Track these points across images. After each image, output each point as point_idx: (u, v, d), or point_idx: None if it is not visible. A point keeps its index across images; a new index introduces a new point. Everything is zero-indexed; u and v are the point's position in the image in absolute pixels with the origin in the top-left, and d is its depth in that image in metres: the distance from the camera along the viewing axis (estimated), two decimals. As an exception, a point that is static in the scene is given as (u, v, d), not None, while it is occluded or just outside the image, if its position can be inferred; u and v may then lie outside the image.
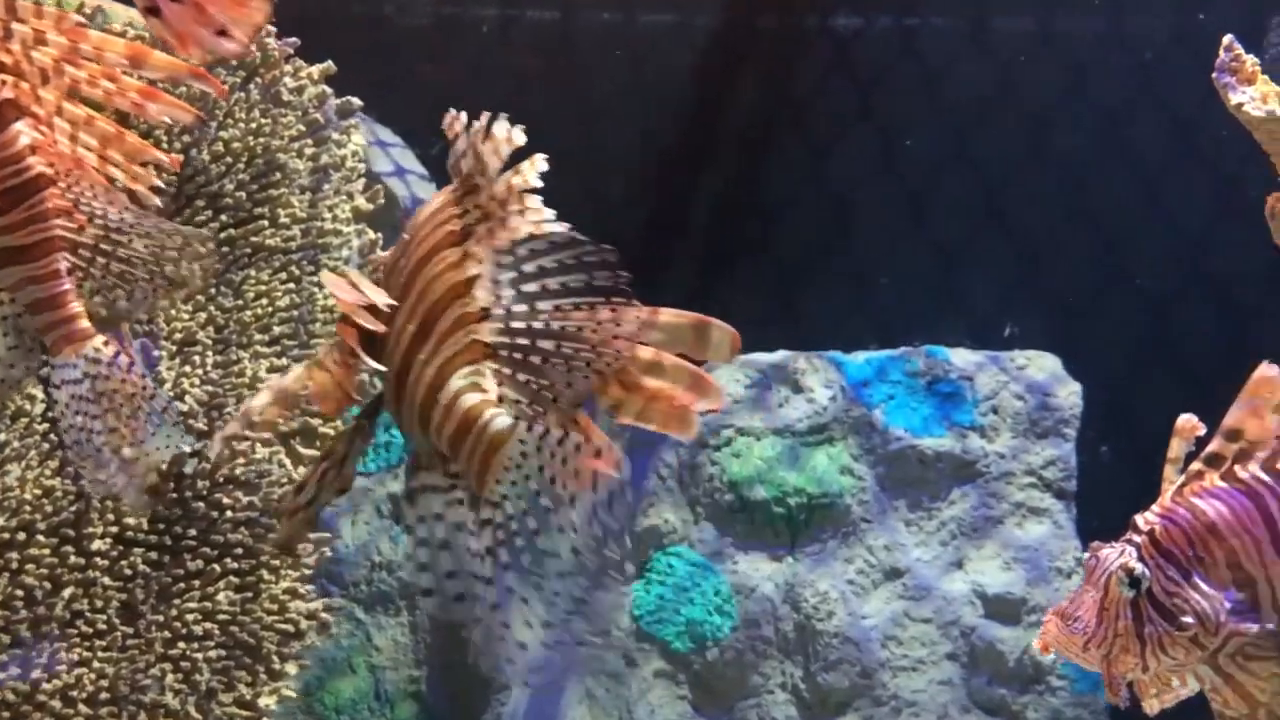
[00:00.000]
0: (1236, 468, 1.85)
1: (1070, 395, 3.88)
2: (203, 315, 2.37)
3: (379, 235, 2.70)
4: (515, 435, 1.46)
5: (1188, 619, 1.79)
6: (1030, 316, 4.24)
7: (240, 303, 2.41)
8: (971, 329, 4.12)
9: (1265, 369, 1.81)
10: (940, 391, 3.92)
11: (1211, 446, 1.85)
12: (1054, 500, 3.82)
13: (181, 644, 2.16)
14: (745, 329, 4.53)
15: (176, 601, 2.18)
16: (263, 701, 2.21)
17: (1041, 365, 3.92)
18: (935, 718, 3.65)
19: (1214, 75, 2.21)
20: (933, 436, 3.84)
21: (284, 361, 2.42)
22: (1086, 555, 1.85)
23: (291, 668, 2.32)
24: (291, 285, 2.48)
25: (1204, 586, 1.81)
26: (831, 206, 4.38)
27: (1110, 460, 4.14)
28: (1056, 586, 3.77)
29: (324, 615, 2.40)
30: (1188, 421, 1.88)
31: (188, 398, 2.28)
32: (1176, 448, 1.88)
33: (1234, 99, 2.18)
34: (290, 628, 2.31)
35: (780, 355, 3.96)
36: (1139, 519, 1.84)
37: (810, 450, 3.84)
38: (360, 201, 2.63)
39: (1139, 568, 1.79)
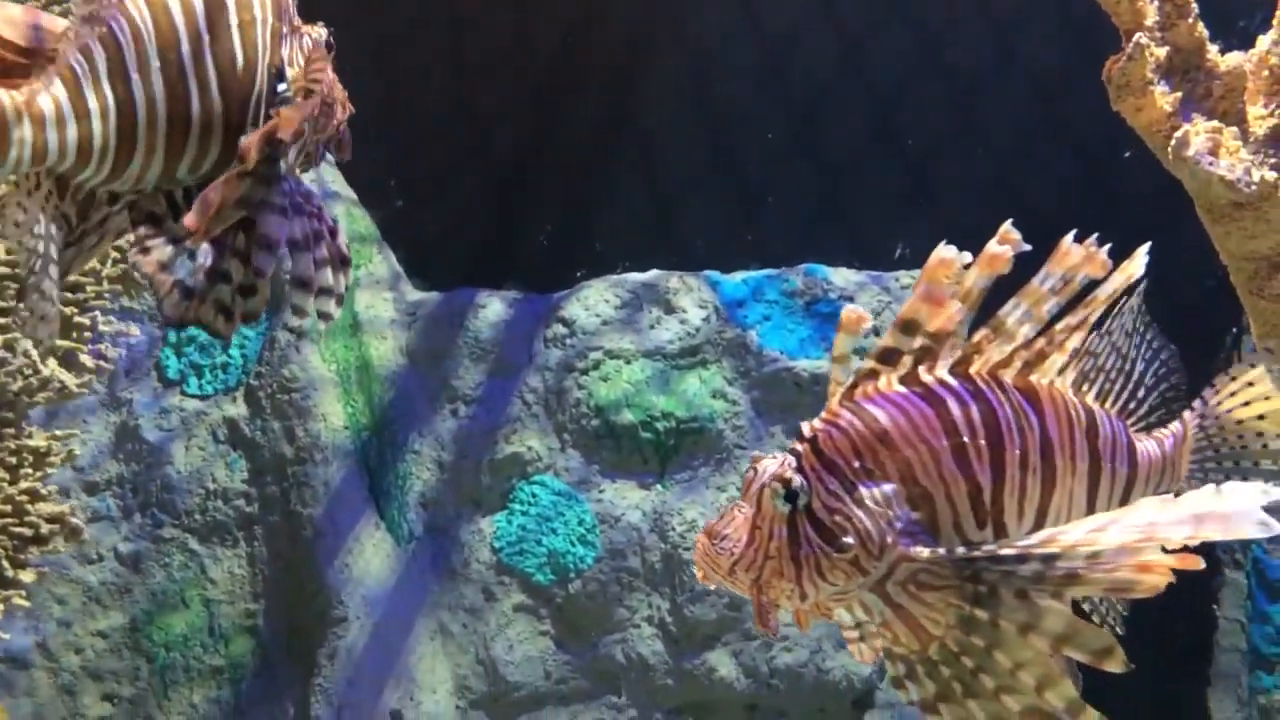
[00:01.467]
0: (921, 370, 1.59)
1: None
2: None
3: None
4: None
5: (848, 539, 1.52)
6: (921, 237, 4.04)
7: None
8: (861, 250, 3.92)
9: (943, 249, 1.52)
10: (819, 312, 3.72)
11: (885, 340, 1.58)
12: (937, 425, 3.64)
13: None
14: (621, 248, 4.32)
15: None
16: (-13, 611, 1.99)
17: (926, 285, 3.73)
18: (807, 652, 3.47)
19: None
20: (810, 359, 3.65)
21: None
22: (747, 468, 1.58)
23: (28, 575, 2.10)
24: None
25: (869, 502, 1.54)
26: (715, 123, 4.16)
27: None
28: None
29: (73, 520, 2.17)
30: (852, 313, 1.59)
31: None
32: (842, 343, 1.60)
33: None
34: (29, 531, 2.09)
35: (652, 274, 3.76)
36: (804, 425, 1.57)
37: (681, 373, 3.63)
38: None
39: (796, 479, 1.52)
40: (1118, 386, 1.89)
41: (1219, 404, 2.01)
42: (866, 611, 1.59)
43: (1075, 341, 1.71)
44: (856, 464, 1.55)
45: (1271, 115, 2.25)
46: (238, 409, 3.53)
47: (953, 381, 1.59)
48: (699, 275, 3.74)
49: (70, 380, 2.16)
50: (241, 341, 3.61)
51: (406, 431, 3.62)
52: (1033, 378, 1.68)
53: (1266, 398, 2.01)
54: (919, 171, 4.12)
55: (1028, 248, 1.59)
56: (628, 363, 3.64)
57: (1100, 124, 2.34)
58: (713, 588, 1.58)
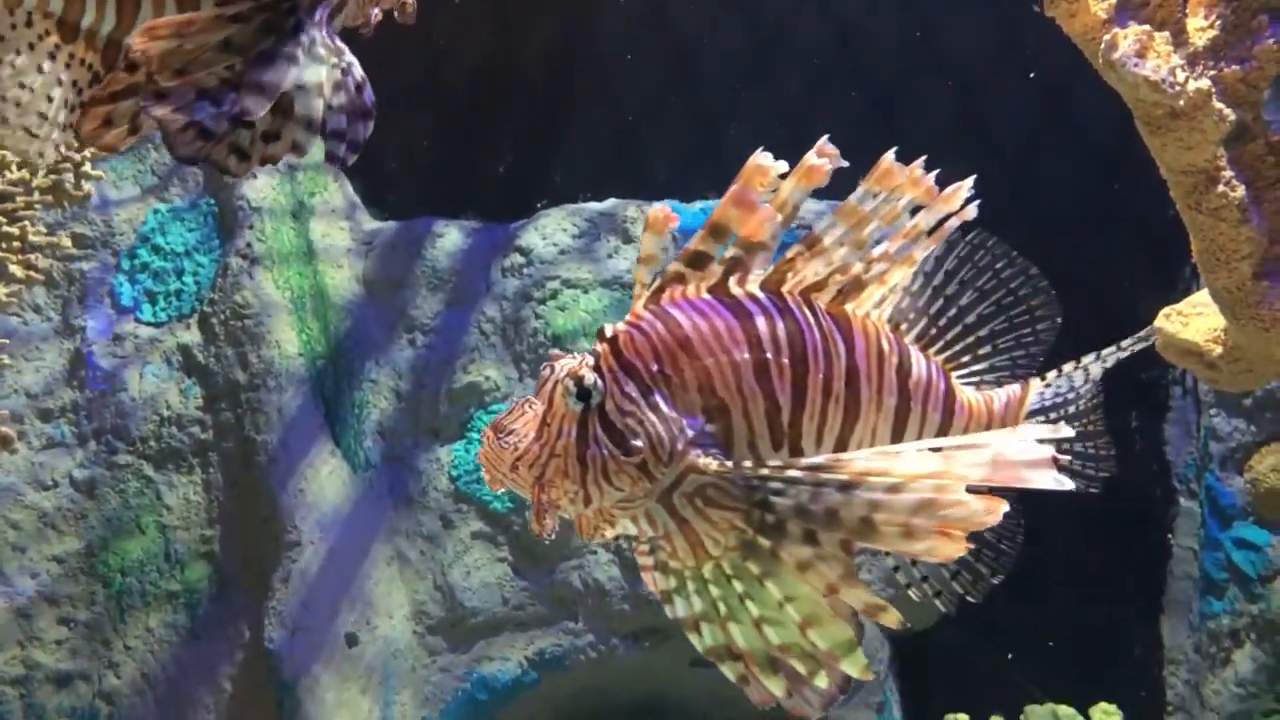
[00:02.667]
0: (731, 281, 1.54)
1: (914, 244, 3.68)
2: None
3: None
4: None
5: (637, 442, 1.47)
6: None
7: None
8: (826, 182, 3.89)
9: (759, 155, 1.49)
10: (783, 242, 3.71)
11: (693, 243, 1.53)
12: (895, 355, 3.64)
13: None
14: (580, 178, 4.29)
15: None
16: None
17: (886, 214, 3.71)
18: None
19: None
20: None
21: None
22: (544, 364, 1.53)
23: (-45, 483, 2.10)
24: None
25: (663, 408, 1.49)
26: (675, 51, 4.11)
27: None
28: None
29: (4, 429, 2.18)
30: (659, 213, 1.53)
31: None
32: (649, 244, 1.54)
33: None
34: (-43, 439, 2.10)
35: (610, 203, 3.74)
36: (606, 326, 1.53)
37: (639, 302, 3.63)
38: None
39: (589, 378, 1.48)
40: (950, 334, 1.81)
41: (1082, 379, 1.93)
42: (652, 524, 1.54)
43: (897, 276, 1.64)
44: (655, 368, 1.50)
45: (1211, 27, 2.23)
46: (191, 335, 3.53)
47: (762, 296, 1.56)
48: (656, 204, 3.72)
49: (0, 291, 2.16)
50: (195, 268, 3.60)
51: (363, 360, 3.62)
52: (848, 306, 1.63)
53: None
54: (879, 100, 4.08)
55: (845, 164, 1.56)
56: (585, 292, 3.63)
57: (1062, 52, 2.32)
58: (499, 491, 1.52)
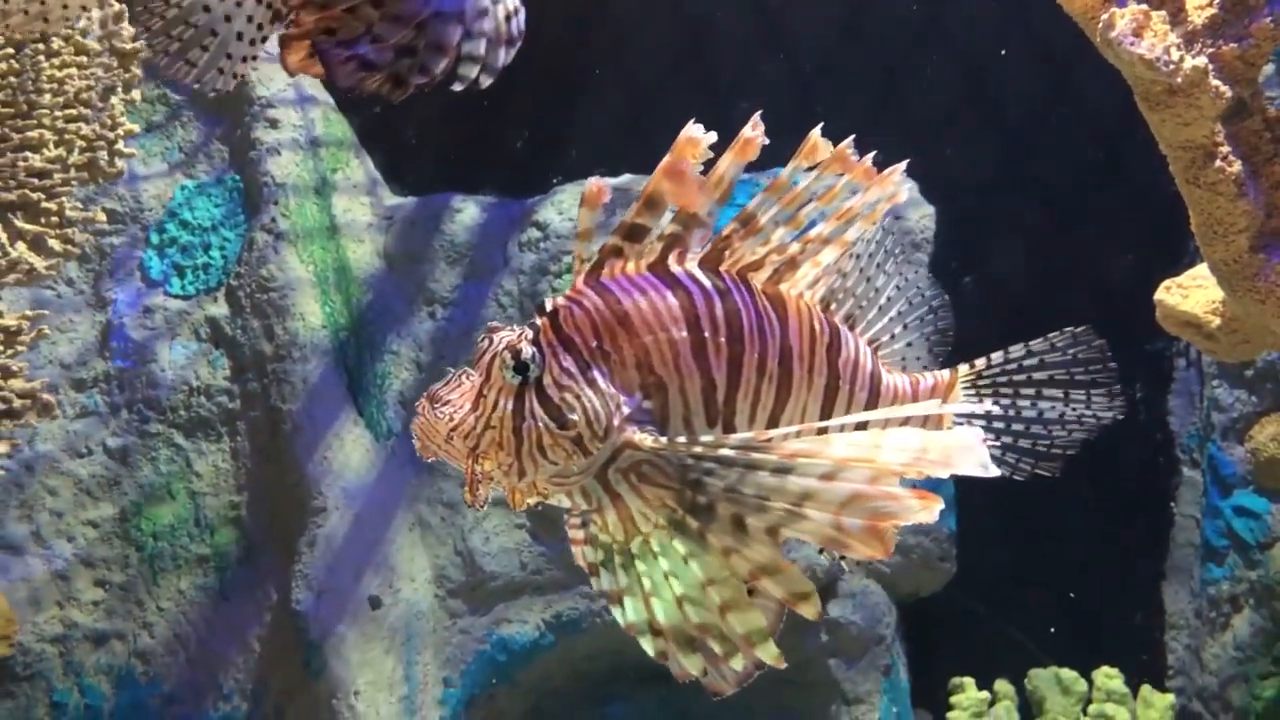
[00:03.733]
0: (671, 259, 1.54)
1: (923, 218, 3.75)
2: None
3: (123, 6, 2.52)
4: None
5: (574, 416, 1.47)
6: (891, 143, 4.07)
7: (-53, 65, 2.26)
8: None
9: (690, 127, 1.47)
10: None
11: (629, 215, 1.52)
12: (904, 327, 3.71)
13: None
14: (596, 153, 4.37)
15: None
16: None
17: (895, 189, 3.77)
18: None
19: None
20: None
21: (-2, 129, 2.27)
22: (482, 335, 1.52)
23: (2, 446, 2.21)
24: (11, 50, 2.32)
25: (601, 383, 1.49)
26: (689, 27, 4.18)
27: (971, 287, 4.02)
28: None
29: (45, 396, 2.28)
30: (594, 187, 1.51)
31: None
32: (585, 218, 1.52)
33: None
34: (2, 405, 2.20)
35: (625, 178, 3.81)
36: (547, 300, 1.54)
37: (653, 276, 3.71)
38: (102, -31, 2.45)
39: (527, 351, 1.47)
40: (870, 315, 1.82)
41: (1010, 368, 1.92)
42: (586, 498, 1.55)
43: (829, 256, 1.65)
44: (594, 344, 1.50)
45: (1210, 5, 2.28)
46: (219, 308, 3.63)
47: (700, 275, 1.56)
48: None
49: (39, 263, 2.26)
50: (221, 243, 3.70)
51: (384, 332, 3.72)
52: (782, 286, 1.64)
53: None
54: (890, 77, 4.13)
55: (766, 141, 1.52)
56: (600, 266, 3.72)
57: (1067, 32, 2.37)
58: (429, 460, 1.52)
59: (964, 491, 3.56)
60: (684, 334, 1.53)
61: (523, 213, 3.78)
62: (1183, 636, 3.78)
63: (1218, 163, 2.35)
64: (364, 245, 3.74)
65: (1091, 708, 3.57)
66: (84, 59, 2.43)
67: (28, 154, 2.33)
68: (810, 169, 1.58)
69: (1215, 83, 2.25)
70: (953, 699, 3.61)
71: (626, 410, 1.51)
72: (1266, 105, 2.40)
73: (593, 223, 1.53)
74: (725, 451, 1.47)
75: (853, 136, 1.60)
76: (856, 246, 1.77)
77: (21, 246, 2.25)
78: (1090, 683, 3.60)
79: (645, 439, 1.51)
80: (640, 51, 4.19)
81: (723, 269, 1.59)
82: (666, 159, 1.49)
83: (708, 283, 1.56)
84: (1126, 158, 3.97)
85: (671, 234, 1.54)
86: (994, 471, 1.39)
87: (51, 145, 2.35)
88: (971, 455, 1.38)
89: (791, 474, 1.44)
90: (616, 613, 1.56)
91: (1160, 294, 2.84)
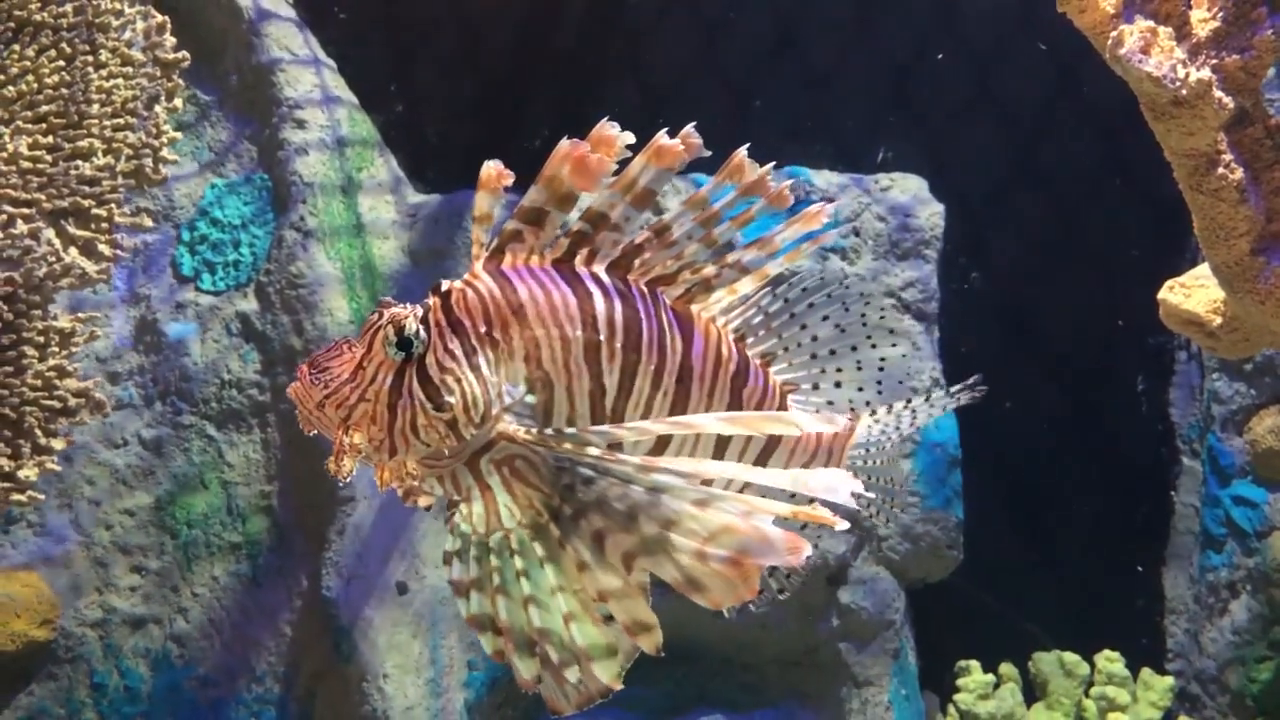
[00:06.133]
0: (578, 259, 1.50)
1: (932, 216, 3.83)
2: (-42, 89, 2.31)
3: (165, 18, 2.61)
4: None
5: (451, 399, 1.43)
6: (902, 142, 4.16)
7: (2, 78, 2.34)
8: (844, 154, 4.04)
9: (605, 125, 1.44)
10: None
11: (527, 197, 1.48)
12: (913, 321, 3.80)
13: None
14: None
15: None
16: (24, 474, 2.22)
17: (905, 187, 3.86)
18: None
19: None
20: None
21: (51, 140, 2.37)
22: (374, 309, 1.49)
23: (58, 443, 2.32)
24: (62, 63, 2.41)
25: (484, 370, 1.45)
26: (704, 27, 4.26)
27: (979, 283, 4.11)
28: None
29: (97, 395, 2.39)
30: (491, 170, 1.48)
31: (-60, 169, 2.23)
32: (483, 202, 1.49)
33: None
34: (57, 404, 2.31)
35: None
36: (443, 282, 1.50)
37: (669, 271, 3.80)
38: (148, -17, 2.54)
39: (413, 327, 1.43)
40: (796, 358, 1.77)
41: (908, 422, 1.88)
42: (455, 486, 1.49)
43: (747, 287, 1.62)
44: (483, 329, 1.46)
45: (1213, 18, 2.37)
46: (249, 303, 3.73)
47: (605, 278, 1.52)
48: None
49: (90, 267, 2.35)
50: (250, 240, 3.80)
51: (409, 327, 3.81)
52: (694, 307, 1.61)
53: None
54: (902, 77, 4.22)
55: (707, 153, 1.51)
56: (618, 261, 3.81)
57: (1078, 32, 2.45)
58: (311, 433, 1.49)
59: (971, 482, 3.67)
60: (578, 333, 1.49)
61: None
62: (1182, 621, 3.89)
63: (1220, 170, 2.44)
64: (389, 242, 3.83)
65: (1093, 690, 3.68)
66: (129, 69, 2.53)
67: (78, 162, 2.42)
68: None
69: (1219, 94, 2.34)
70: (959, 681, 3.73)
71: (507, 400, 1.46)
72: (1268, 113, 2.49)
73: (490, 206, 1.50)
74: (593, 451, 1.43)
75: (772, 163, 1.58)
76: (789, 288, 1.73)
77: (74, 252, 2.35)
78: (1092, 665, 3.71)
79: (520, 431, 1.46)
80: (659, 49, 4.27)
81: (631, 278, 1.55)
82: (568, 143, 1.46)
83: (611, 287, 1.52)
84: (1130, 156, 4.06)
85: (578, 231, 1.51)
86: (863, 502, 1.35)
87: (100, 153, 2.45)
88: (842, 490, 1.35)
89: (665, 495, 1.39)
90: (460, 604, 1.53)
91: (1164, 293, 2.94)
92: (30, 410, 2.24)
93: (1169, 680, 3.67)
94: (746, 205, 1.57)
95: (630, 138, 1.47)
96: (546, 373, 1.49)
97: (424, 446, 1.46)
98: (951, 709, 3.72)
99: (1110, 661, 3.69)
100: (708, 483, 1.42)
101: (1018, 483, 4.07)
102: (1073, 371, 4.11)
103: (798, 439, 1.75)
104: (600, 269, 1.53)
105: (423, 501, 1.60)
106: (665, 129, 1.49)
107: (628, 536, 1.40)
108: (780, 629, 3.67)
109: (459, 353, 1.46)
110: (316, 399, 1.44)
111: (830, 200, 3.88)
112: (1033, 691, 3.77)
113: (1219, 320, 2.86)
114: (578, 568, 1.44)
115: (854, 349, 1.80)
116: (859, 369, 1.81)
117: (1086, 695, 3.71)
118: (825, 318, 1.77)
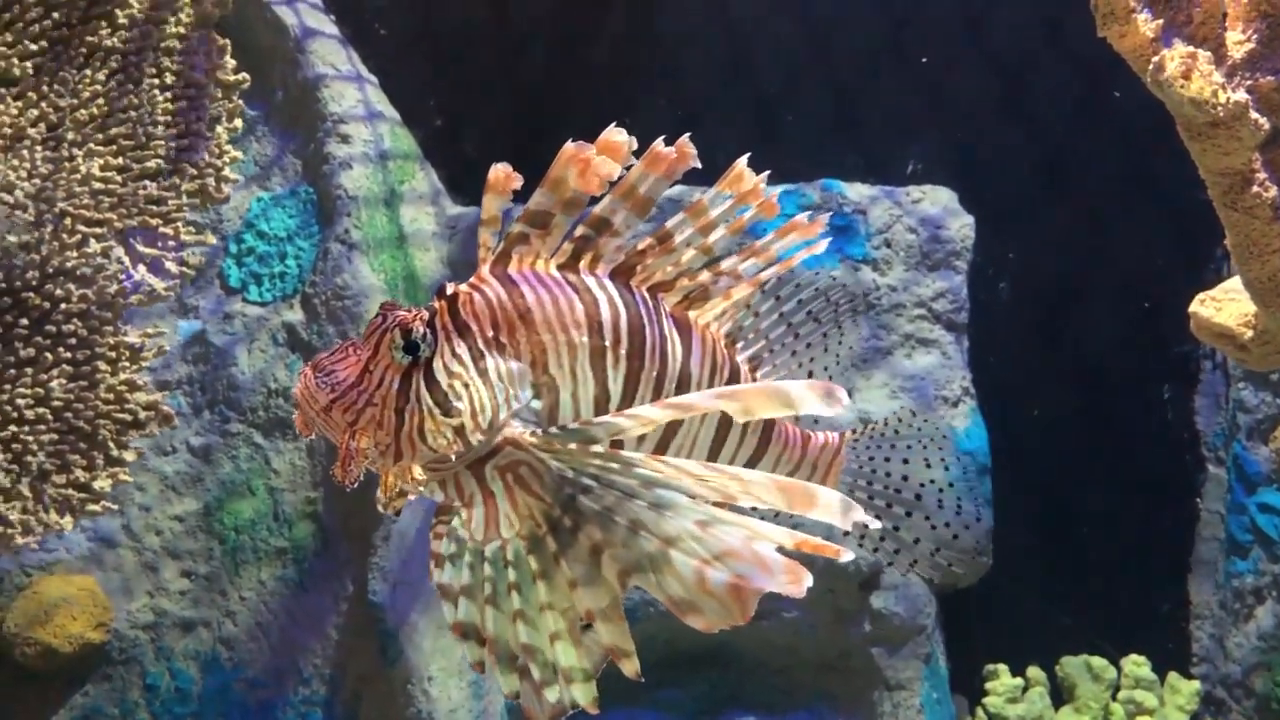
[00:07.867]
0: (583, 263, 1.51)
1: (962, 228, 3.90)
2: (34, 112, 2.40)
3: (226, 41, 2.69)
4: None
5: (459, 404, 1.40)
6: (933, 154, 4.23)
7: (75, 101, 2.42)
8: (875, 166, 4.11)
9: (611, 131, 1.46)
10: (834, 225, 3.94)
11: (533, 200, 1.50)
12: (944, 331, 3.87)
13: (12, 427, 2.23)
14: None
15: (7, 387, 2.24)
16: (98, 484, 2.30)
17: (936, 199, 3.93)
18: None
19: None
20: (824, 268, 3.88)
21: (121, 161, 2.45)
22: (377, 311, 1.47)
23: (130, 455, 2.40)
24: (130, 86, 2.50)
25: (492, 374, 1.43)
26: (736, 42, 4.33)
27: (1009, 293, 4.18)
28: (942, 414, 3.84)
29: (165, 407, 2.47)
30: (500, 172, 1.49)
31: (16, 191, 2.31)
32: (490, 205, 1.50)
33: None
34: (129, 417, 2.39)
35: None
36: (448, 285, 1.50)
37: (704, 282, 3.87)
38: (207, 6, 2.62)
39: (418, 331, 1.42)
40: (781, 360, 1.78)
41: (871, 444, 1.89)
42: (460, 493, 1.48)
43: (741, 294, 1.63)
44: (491, 333, 1.45)
45: (1248, 40, 2.44)
46: (295, 314, 3.81)
47: (609, 284, 1.52)
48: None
49: (158, 284, 2.44)
50: (296, 252, 3.88)
51: (449, 336, 3.89)
52: (692, 313, 1.62)
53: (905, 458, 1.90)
54: (932, 90, 4.28)
55: (698, 165, 1.52)
56: (653, 272, 3.88)
57: (1103, 43, 2.50)
58: (310, 437, 1.47)
59: (1001, 490, 3.73)
60: (584, 339, 1.48)
61: (580, 220, 3.94)
62: (1207, 626, 3.95)
63: (1254, 188, 2.50)
64: (430, 254, 3.91)
65: (1121, 694, 3.74)
66: (193, 91, 2.61)
67: (146, 182, 2.51)
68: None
69: (1254, 115, 2.40)
70: (988, 685, 3.79)
71: (515, 406, 1.44)
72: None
73: (498, 209, 1.51)
74: (597, 458, 1.40)
75: (767, 173, 1.61)
76: (783, 290, 1.75)
77: (142, 269, 2.43)
78: (1119, 670, 3.77)
79: (527, 436, 1.44)
80: (689, 64, 4.34)
81: (634, 284, 1.55)
82: (573, 146, 1.48)
83: (615, 293, 1.52)
84: (1156, 168, 4.12)
85: (582, 236, 1.52)
86: (860, 519, 1.36)
87: (166, 174, 2.53)
88: (838, 510, 1.35)
89: (669, 511, 1.37)
90: (447, 609, 1.53)
91: (1195, 306, 3.00)
92: (103, 423, 2.33)
93: (1195, 684, 3.73)
94: (741, 213, 1.59)
95: (634, 144, 1.49)
96: (552, 378, 1.47)
97: (430, 452, 1.44)
98: (980, 712, 3.79)
99: (1137, 666, 3.75)
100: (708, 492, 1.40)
101: (1045, 489, 4.13)
102: (1099, 380, 4.17)
103: (784, 446, 1.75)
104: (604, 274, 1.54)
105: (397, 505, 1.58)
106: (662, 137, 1.51)
107: (626, 551, 1.38)
108: (813, 633, 3.74)
109: (466, 357, 1.44)
110: (323, 402, 1.41)
111: (862, 211, 3.98)
112: (1060, 695, 3.83)
113: (1250, 333, 2.92)
114: (570, 583, 1.42)
115: (825, 336, 1.81)
116: (833, 359, 1.82)
117: (1114, 699, 3.77)
118: (809, 313, 1.80)
